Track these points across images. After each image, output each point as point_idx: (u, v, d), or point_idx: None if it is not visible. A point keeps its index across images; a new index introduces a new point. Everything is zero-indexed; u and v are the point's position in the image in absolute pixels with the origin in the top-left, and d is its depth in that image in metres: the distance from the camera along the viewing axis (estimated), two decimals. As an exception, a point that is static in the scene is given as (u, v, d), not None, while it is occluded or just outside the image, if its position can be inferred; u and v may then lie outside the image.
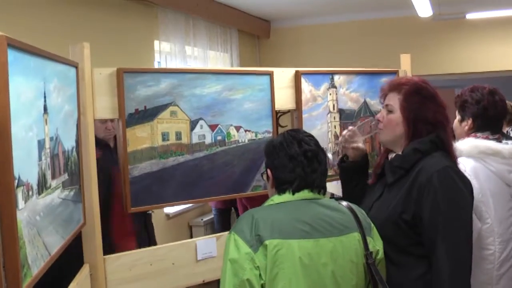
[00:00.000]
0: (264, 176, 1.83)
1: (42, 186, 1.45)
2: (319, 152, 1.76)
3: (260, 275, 1.55)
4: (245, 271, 1.54)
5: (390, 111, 1.95)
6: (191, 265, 2.29)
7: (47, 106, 1.52)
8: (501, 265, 2.14)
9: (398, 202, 1.83)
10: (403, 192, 1.83)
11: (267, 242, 1.56)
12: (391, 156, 1.99)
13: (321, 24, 6.68)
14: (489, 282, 2.13)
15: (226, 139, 2.39)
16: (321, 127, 2.69)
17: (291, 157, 1.72)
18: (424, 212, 1.77)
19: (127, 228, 2.90)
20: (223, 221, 4.95)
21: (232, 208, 4.93)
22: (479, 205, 2.12)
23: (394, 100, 1.94)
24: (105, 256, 2.06)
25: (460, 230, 1.77)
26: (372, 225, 1.79)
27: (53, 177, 1.56)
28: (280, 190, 1.74)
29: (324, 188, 1.78)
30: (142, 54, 4.74)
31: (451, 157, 1.90)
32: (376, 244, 1.77)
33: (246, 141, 2.46)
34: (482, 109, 2.27)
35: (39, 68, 1.47)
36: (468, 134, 2.31)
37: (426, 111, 1.90)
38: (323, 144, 2.59)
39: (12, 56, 1.23)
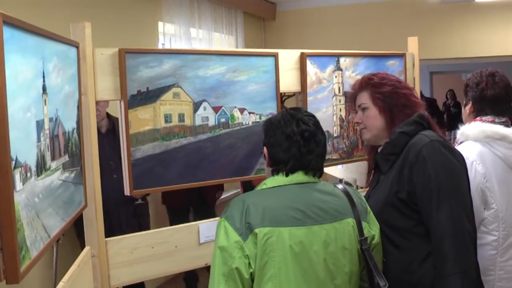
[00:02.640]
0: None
1: (41, 167, 1.43)
2: (317, 132, 1.70)
3: (249, 263, 1.52)
4: (234, 260, 1.51)
5: (364, 109, 1.98)
6: (193, 248, 2.28)
7: (46, 86, 1.49)
8: (505, 251, 2.12)
9: (392, 184, 1.84)
10: (395, 172, 1.84)
11: (257, 230, 1.53)
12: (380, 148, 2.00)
13: (328, 7, 6.59)
14: (492, 269, 2.11)
15: (229, 121, 2.36)
16: (326, 110, 2.66)
17: (287, 136, 1.67)
18: (416, 185, 1.78)
19: None
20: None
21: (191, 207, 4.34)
22: (484, 190, 2.09)
23: (365, 97, 1.98)
24: (106, 239, 2.05)
25: (454, 196, 1.75)
26: (369, 209, 1.76)
27: (53, 158, 1.54)
28: (275, 170, 1.70)
29: (321, 170, 1.74)
30: (146, 36, 4.69)
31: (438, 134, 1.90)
32: (372, 229, 1.74)
33: (250, 123, 2.42)
34: (480, 91, 2.24)
35: (37, 47, 1.43)
36: (471, 118, 2.27)
37: (398, 95, 1.93)
38: (327, 127, 2.59)
39: (9, 33, 1.20)
